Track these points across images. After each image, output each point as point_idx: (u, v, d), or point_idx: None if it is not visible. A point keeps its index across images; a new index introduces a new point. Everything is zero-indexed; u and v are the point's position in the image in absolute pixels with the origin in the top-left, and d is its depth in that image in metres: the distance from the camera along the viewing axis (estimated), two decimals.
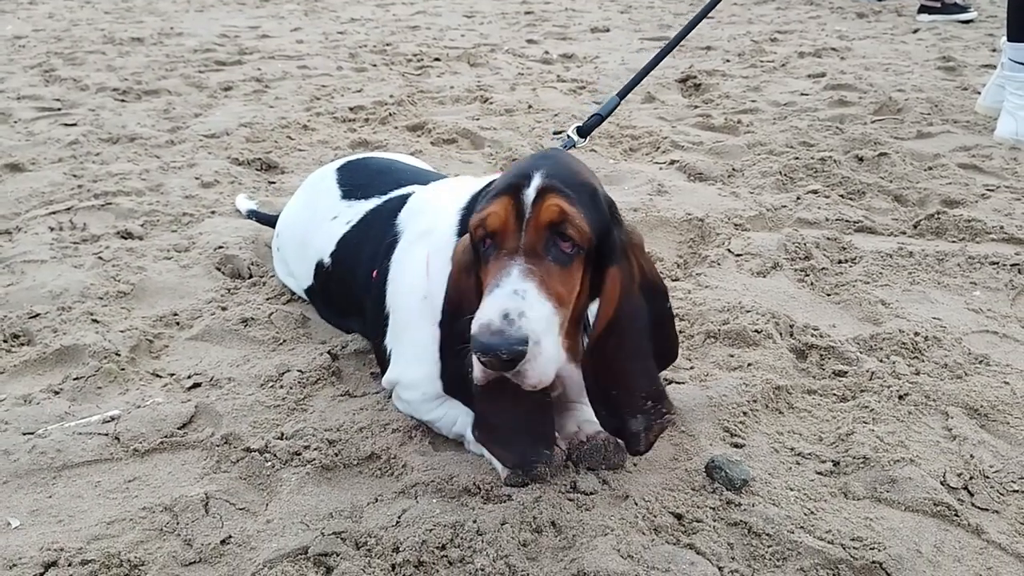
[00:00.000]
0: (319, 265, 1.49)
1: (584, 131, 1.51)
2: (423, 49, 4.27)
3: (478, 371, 0.97)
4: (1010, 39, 2.69)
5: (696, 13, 1.85)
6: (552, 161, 1.05)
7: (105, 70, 3.77)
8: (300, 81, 3.59)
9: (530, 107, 3.13)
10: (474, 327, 0.92)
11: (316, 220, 1.54)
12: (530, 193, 0.99)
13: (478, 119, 2.96)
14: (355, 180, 1.56)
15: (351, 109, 3.09)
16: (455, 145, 2.71)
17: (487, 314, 0.93)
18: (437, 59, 4.03)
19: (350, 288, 1.39)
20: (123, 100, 3.26)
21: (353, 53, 4.18)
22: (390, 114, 3.01)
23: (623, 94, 1.59)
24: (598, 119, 1.51)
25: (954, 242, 1.92)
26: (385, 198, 1.44)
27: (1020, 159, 2.49)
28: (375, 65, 3.92)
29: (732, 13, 5.45)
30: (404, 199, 1.36)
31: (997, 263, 1.78)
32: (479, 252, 1.03)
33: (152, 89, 3.39)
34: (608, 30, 4.93)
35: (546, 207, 0.98)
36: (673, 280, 1.77)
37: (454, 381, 1.12)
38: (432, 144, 2.71)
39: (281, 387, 1.36)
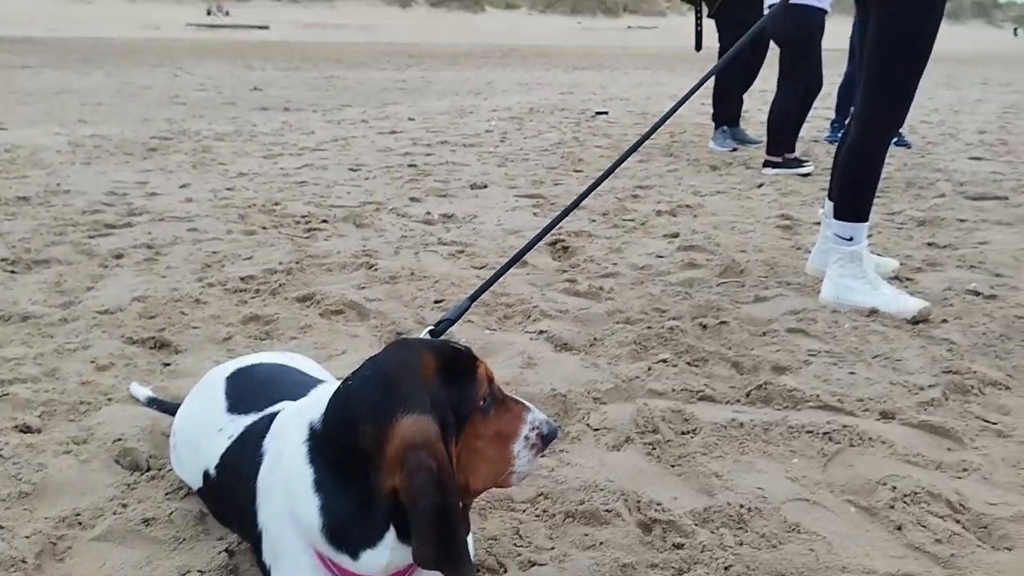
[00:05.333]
0: (206, 474, 1.63)
1: (436, 334, 1.71)
2: (311, 209, 4.50)
3: (534, 465, 1.38)
4: (836, 216, 3.12)
5: (555, 216, 2.15)
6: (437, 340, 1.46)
7: None
8: (191, 247, 3.75)
9: (412, 273, 3.38)
10: (545, 426, 1.38)
11: (205, 428, 1.66)
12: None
13: (364, 288, 3.19)
14: (241, 391, 1.70)
15: (242, 279, 3.26)
16: (342, 316, 2.91)
17: (541, 415, 1.38)
18: (324, 221, 4.27)
19: (233, 502, 1.52)
20: (13, 271, 3.33)
21: (242, 214, 4.37)
22: (280, 284, 3.19)
23: (473, 298, 1.84)
24: (448, 323, 1.74)
25: (779, 410, 2.23)
26: (261, 415, 1.58)
27: (840, 321, 2.88)
28: (264, 228, 4.11)
29: (599, 167, 5.94)
30: (273, 418, 1.50)
31: (812, 431, 2.09)
32: (470, 408, 1.32)
33: (42, 259, 3.48)
34: (486, 186, 5.30)
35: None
36: (541, 457, 1.99)
37: (455, 549, 1.23)
38: (320, 316, 2.90)
39: None
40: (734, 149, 6.93)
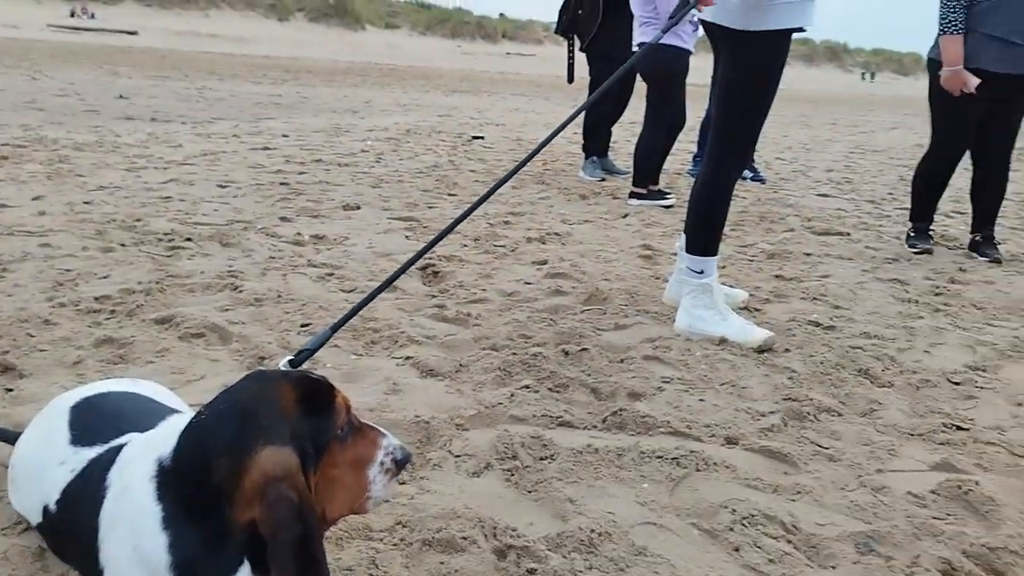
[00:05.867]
0: (46, 508, 1.55)
1: (296, 364, 1.71)
2: (174, 227, 4.37)
3: (389, 490, 1.44)
4: (687, 251, 3.28)
5: (423, 247, 2.18)
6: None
7: None
8: (41, 263, 3.57)
9: (279, 296, 3.33)
10: (399, 451, 1.43)
11: (47, 460, 1.59)
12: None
13: (227, 311, 3.12)
14: (86, 422, 1.62)
15: (96, 299, 3.13)
16: (203, 340, 2.84)
17: (395, 441, 1.44)
18: (188, 239, 4.15)
19: (74, 538, 1.46)
20: None
21: (100, 230, 4.20)
22: (138, 305, 3.08)
23: (336, 328, 1.85)
24: (309, 353, 1.75)
25: (632, 436, 2.33)
26: (106, 447, 1.52)
27: (692, 349, 3.03)
28: (124, 245, 3.96)
29: (473, 192, 6.01)
30: (119, 450, 1.46)
31: (662, 456, 2.19)
32: (329, 437, 1.35)
33: None
34: (359, 207, 5.28)
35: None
36: (401, 484, 2.01)
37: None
38: (180, 339, 2.82)
39: None
40: (603, 179, 7.16)
